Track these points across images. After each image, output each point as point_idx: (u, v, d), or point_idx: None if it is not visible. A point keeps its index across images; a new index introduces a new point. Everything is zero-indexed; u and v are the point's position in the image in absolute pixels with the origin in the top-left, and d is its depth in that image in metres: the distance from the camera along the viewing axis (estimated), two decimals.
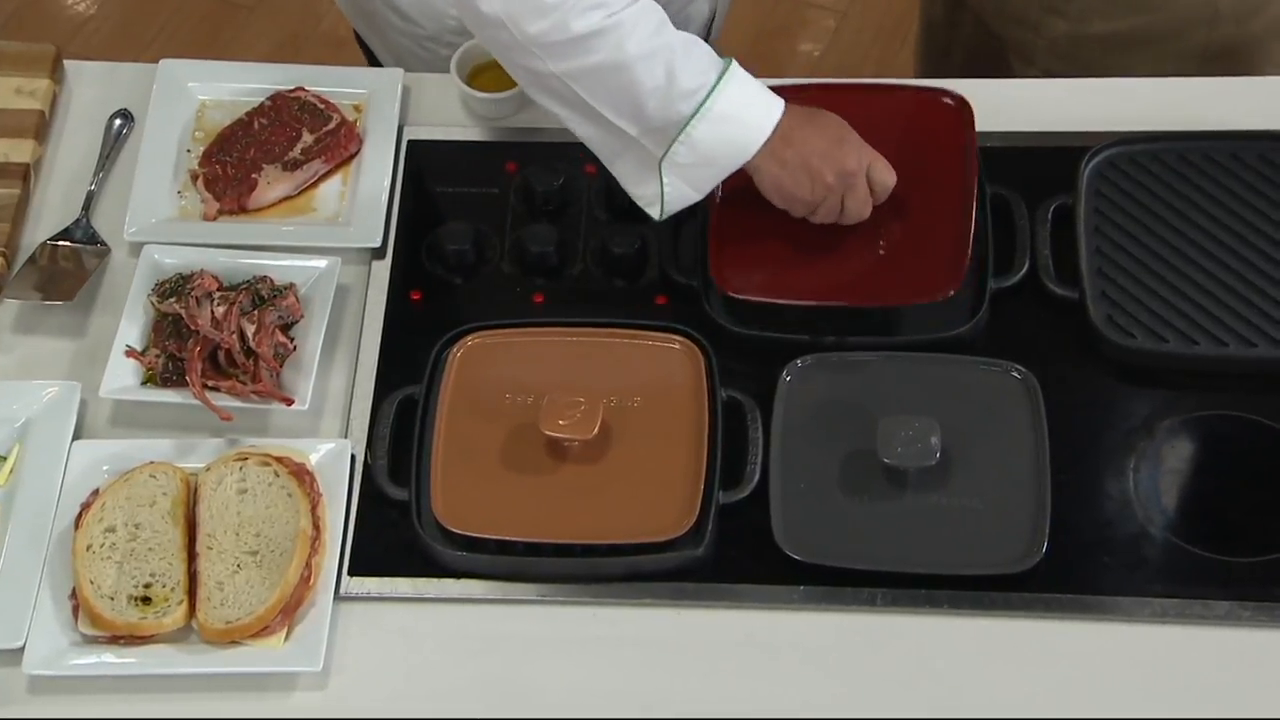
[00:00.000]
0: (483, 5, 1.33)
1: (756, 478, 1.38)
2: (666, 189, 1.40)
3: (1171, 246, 1.51)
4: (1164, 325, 1.46)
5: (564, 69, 1.34)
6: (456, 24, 1.64)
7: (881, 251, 1.48)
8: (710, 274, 1.47)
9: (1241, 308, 1.46)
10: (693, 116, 1.35)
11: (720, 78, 1.36)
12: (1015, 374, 1.43)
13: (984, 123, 1.59)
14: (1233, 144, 1.56)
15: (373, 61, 1.85)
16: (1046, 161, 1.57)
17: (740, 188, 1.46)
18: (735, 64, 1.38)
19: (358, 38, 1.87)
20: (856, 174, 1.42)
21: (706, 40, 1.73)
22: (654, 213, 1.43)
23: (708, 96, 1.35)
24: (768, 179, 1.41)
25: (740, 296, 1.46)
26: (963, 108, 1.53)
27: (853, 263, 1.48)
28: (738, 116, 1.37)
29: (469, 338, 1.47)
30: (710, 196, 1.48)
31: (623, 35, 1.32)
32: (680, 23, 1.39)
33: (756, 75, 1.41)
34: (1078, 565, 1.35)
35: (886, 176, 1.44)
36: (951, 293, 1.43)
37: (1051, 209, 1.53)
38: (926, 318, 1.47)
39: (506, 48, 1.36)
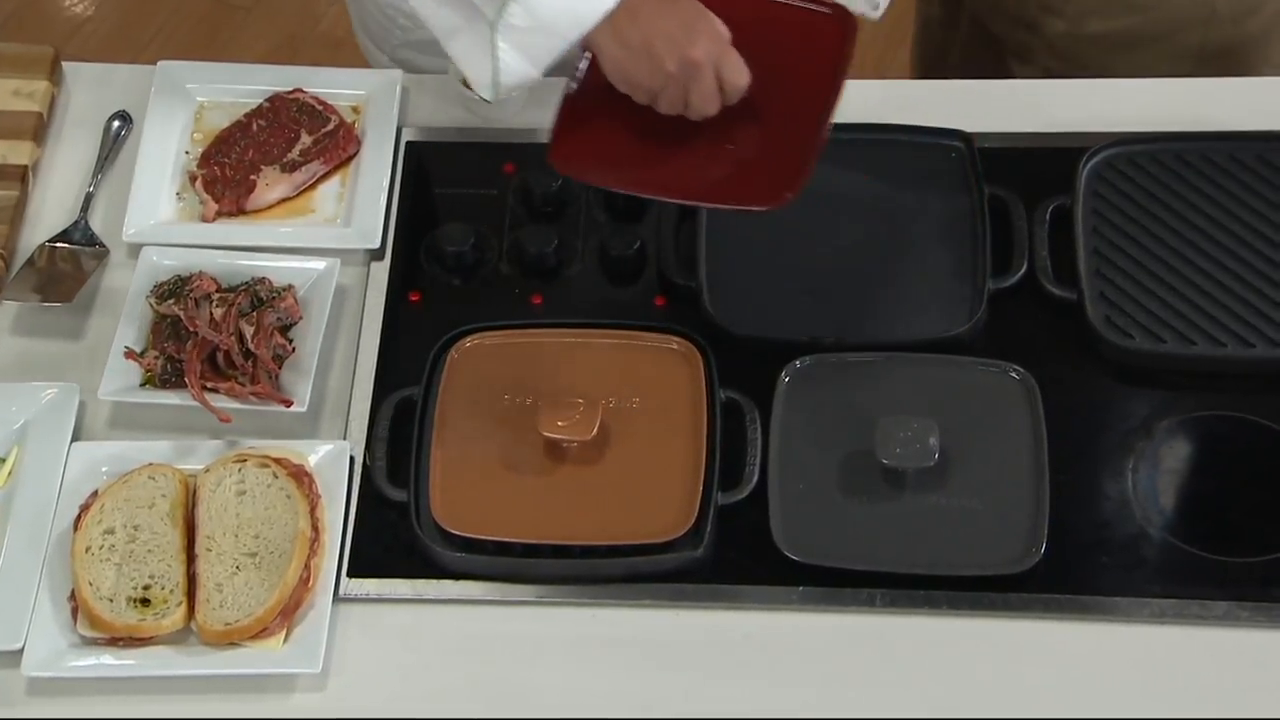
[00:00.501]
0: None
1: (755, 479, 1.38)
2: (501, 59, 1.31)
3: (1169, 247, 1.51)
4: (1162, 326, 1.46)
5: None
6: None
7: (729, 150, 1.41)
8: (549, 157, 1.41)
9: (1239, 308, 1.46)
10: None
11: None
12: (1014, 375, 1.43)
13: (981, 124, 1.59)
14: (1230, 144, 1.56)
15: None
16: (1044, 162, 1.57)
17: (594, 79, 1.40)
18: None
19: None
20: (702, 65, 1.33)
21: None
22: (487, 94, 1.35)
23: None
24: (609, 59, 1.34)
25: (577, 180, 1.42)
26: (844, 21, 1.46)
27: (695, 160, 1.42)
28: None
29: (467, 339, 1.47)
30: (565, 86, 1.43)
31: None
32: None
33: None
34: (1076, 566, 1.35)
35: (737, 76, 1.36)
36: (789, 197, 1.34)
37: (1049, 210, 1.53)
38: (924, 317, 1.47)
39: None
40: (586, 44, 1.34)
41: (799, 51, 1.43)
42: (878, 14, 1.34)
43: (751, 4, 1.42)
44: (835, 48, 1.44)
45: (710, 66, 1.34)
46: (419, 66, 1.68)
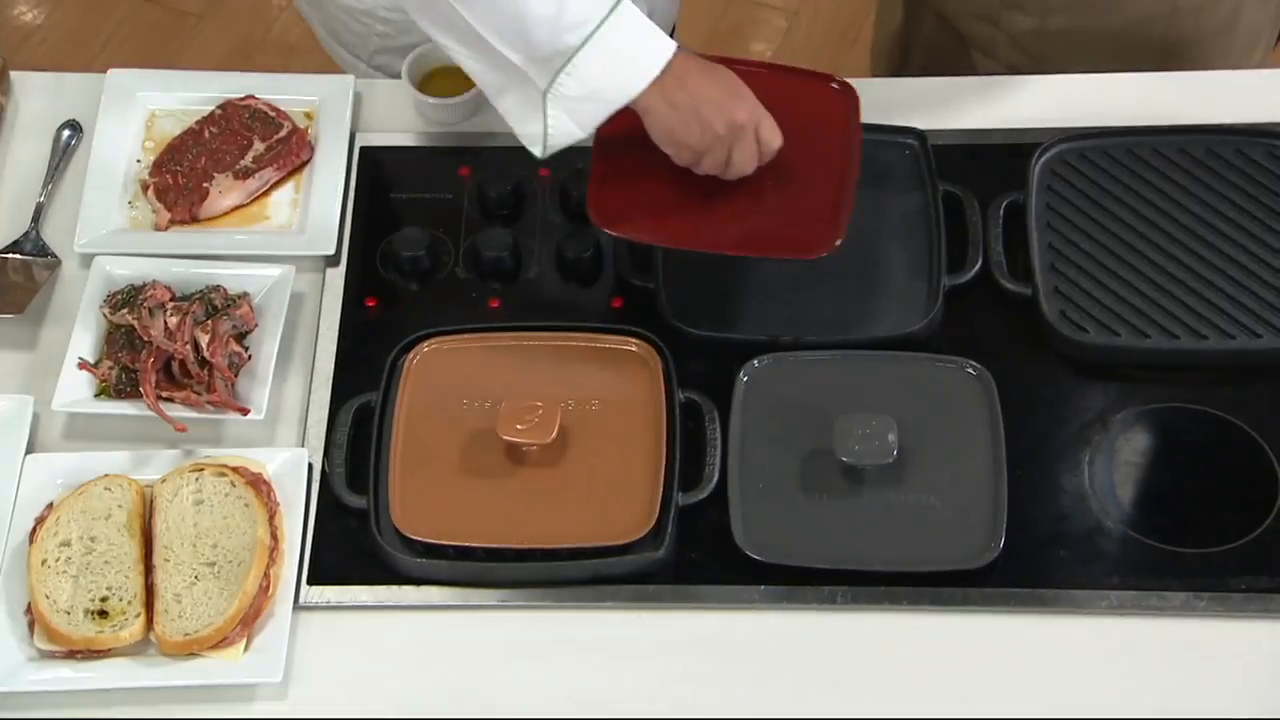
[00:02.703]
0: None
1: (715, 479, 1.38)
2: (550, 123, 1.37)
3: (1122, 241, 1.52)
4: (1116, 319, 1.47)
5: None
6: None
7: (764, 203, 1.46)
8: (590, 212, 1.45)
9: (1192, 301, 1.48)
10: (580, 47, 1.33)
11: (611, 10, 1.33)
12: (970, 370, 1.44)
13: (936, 121, 1.60)
14: (1180, 138, 1.58)
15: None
16: (998, 159, 1.58)
17: (622, 134, 1.43)
18: (628, 1, 1.35)
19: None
20: (746, 126, 1.40)
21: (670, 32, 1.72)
22: (536, 150, 1.41)
23: (597, 27, 1.33)
24: (658, 121, 1.39)
25: (619, 235, 1.45)
26: (848, 94, 1.53)
27: (731, 214, 1.46)
28: (627, 51, 1.35)
29: (425, 344, 1.47)
30: (591, 139, 1.46)
31: None
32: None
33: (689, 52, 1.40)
34: (1035, 559, 1.36)
35: (773, 136, 1.42)
36: (837, 244, 1.42)
37: (1003, 206, 1.54)
38: (880, 315, 1.48)
39: None
40: (635, 105, 1.38)
41: (808, 115, 1.50)
42: None
43: (764, 74, 1.48)
44: (841, 112, 1.52)
45: (753, 128, 1.41)
46: (398, 72, 1.67)
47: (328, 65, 1.88)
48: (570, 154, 1.46)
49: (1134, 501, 1.40)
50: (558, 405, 1.39)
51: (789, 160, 1.46)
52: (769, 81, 1.46)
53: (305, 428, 1.45)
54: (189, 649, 1.31)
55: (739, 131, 1.40)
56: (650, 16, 1.64)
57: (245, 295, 1.49)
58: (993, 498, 1.36)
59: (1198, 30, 1.73)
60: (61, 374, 1.45)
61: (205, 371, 1.44)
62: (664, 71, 1.36)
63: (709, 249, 1.46)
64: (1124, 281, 1.49)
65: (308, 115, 1.64)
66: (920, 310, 1.48)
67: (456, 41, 1.38)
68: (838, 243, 1.42)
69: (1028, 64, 1.74)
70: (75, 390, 1.44)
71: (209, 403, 1.42)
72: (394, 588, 1.36)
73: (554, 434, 1.37)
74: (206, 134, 1.61)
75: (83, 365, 1.45)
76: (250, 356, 1.47)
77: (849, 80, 1.54)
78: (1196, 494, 1.40)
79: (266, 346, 1.47)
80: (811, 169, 1.48)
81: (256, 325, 1.48)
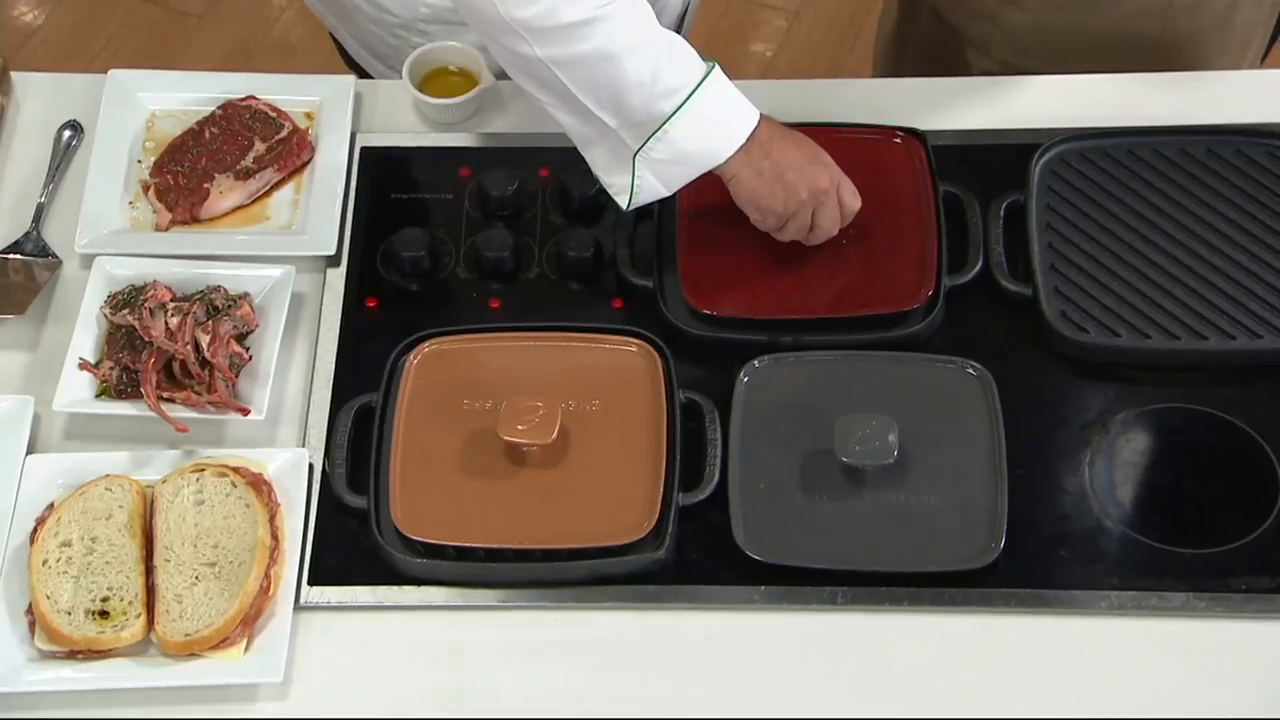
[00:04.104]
0: None
1: (716, 479, 1.38)
2: (638, 182, 1.41)
3: (1122, 241, 1.52)
4: (1116, 320, 1.47)
5: (550, 55, 1.34)
6: (430, 12, 1.64)
7: (847, 268, 1.50)
8: (684, 294, 1.48)
9: (1192, 301, 1.48)
10: (673, 114, 1.36)
11: (703, 79, 1.37)
12: (970, 371, 1.44)
13: (935, 121, 1.60)
14: (1181, 139, 1.58)
15: (343, 54, 1.84)
16: (998, 159, 1.58)
17: (706, 205, 1.48)
18: (718, 67, 1.39)
19: (332, 36, 1.86)
20: (829, 191, 1.45)
21: (678, 30, 1.73)
22: (622, 202, 1.44)
23: (689, 96, 1.36)
24: (744, 187, 1.43)
25: (714, 313, 1.47)
26: (911, 143, 1.57)
27: (820, 278, 1.50)
28: (716, 118, 1.39)
29: (425, 344, 1.47)
30: (676, 211, 1.51)
31: (613, 27, 1.33)
32: (655, 12, 1.40)
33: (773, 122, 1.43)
34: (1035, 560, 1.36)
35: (852, 200, 1.47)
36: (917, 304, 1.46)
37: (1004, 206, 1.54)
38: (881, 315, 1.48)
39: (495, 29, 1.35)
40: (720, 172, 1.42)
41: (879, 169, 1.55)
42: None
43: (830, 133, 1.52)
44: (910, 161, 1.56)
45: (834, 192, 1.45)
46: (385, 43, 1.68)
47: (328, 65, 1.89)
48: (571, 155, 1.46)
49: (1134, 502, 1.40)
50: (558, 405, 1.39)
51: (866, 217, 1.50)
52: (836, 140, 1.49)
53: (306, 428, 1.45)
54: (190, 649, 1.31)
55: (822, 196, 1.44)
56: (686, 8, 1.67)
57: (246, 296, 1.49)
58: (993, 498, 1.36)
59: (1193, 27, 1.73)
60: (62, 374, 1.45)
61: (206, 372, 1.44)
62: (750, 138, 1.39)
63: (804, 315, 1.48)
64: (1124, 282, 1.49)
65: (308, 115, 1.65)
66: (921, 311, 1.48)
67: (551, 97, 1.40)
68: (928, 293, 1.46)
69: (1022, 61, 1.74)
70: (76, 391, 1.44)
71: (210, 403, 1.42)
72: (394, 588, 1.36)
73: (554, 434, 1.37)
74: (207, 134, 1.61)
75: (83, 366, 1.45)
76: (251, 357, 1.47)
77: (915, 129, 1.58)
78: (1197, 494, 1.40)
79: (267, 347, 1.47)
80: (889, 223, 1.52)
81: (257, 326, 1.48)
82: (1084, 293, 1.49)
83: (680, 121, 1.37)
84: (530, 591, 1.36)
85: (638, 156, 1.39)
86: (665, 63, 1.36)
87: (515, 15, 1.32)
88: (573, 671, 1.33)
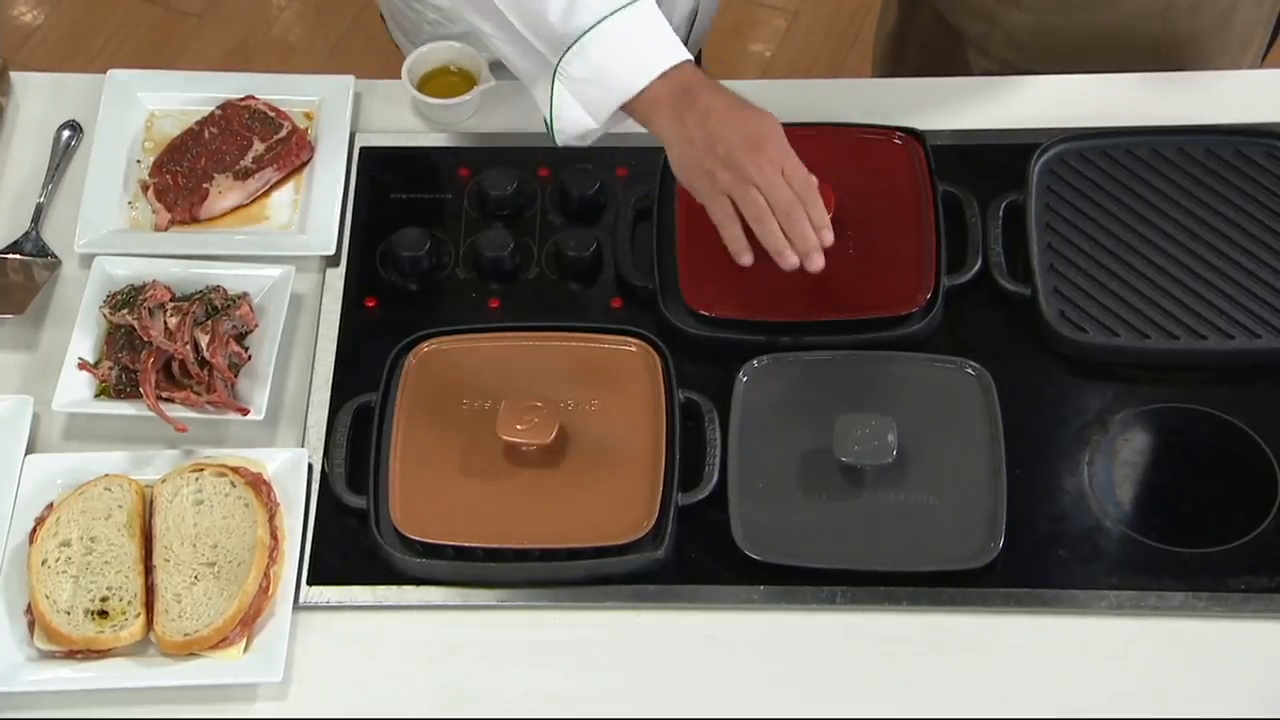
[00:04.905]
0: None
1: (715, 479, 1.38)
2: (556, 101, 1.39)
3: (1121, 241, 1.52)
4: (1115, 319, 1.47)
5: None
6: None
7: (848, 270, 1.48)
8: (683, 294, 1.47)
9: (1191, 301, 1.48)
10: (590, 28, 1.36)
11: (627, 4, 1.36)
12: (969, 370, 1.44)
13: (934, 121, 1.60)
14: (1179, 139, 1.58)
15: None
16: (997, 159, 1.58)
17: (703, 212, 1.46)
18: (652, 1, 1.38)
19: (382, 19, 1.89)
20: (763, 152, 1.35)
21: (687, 37, 1.73)
22: (554, 136, 1.42)
23: (611, 14, 1.36)
24: (676, 153, 1.38)
25: (713, 314, 1.46)
26: (910, 143, 1.56)
27: (820, 277, 1.45)
28: (636, 43, 1.37)
29: (424, 344, 1.47)
30: (676, 211, 1.49)
31: None
32: (664, 12, 1.39)
33: (709, 77, 1.41)
34: (1034, 559, 1.36)
35: (802, 170, 1.37)
36: (921, 304, 1.45)
37: (1003, 206, 1.54)
38: (880, 316, 1.48)
39: None
40: (651, 124, 1.39)
41: (878, 170, 1.54)
42: None
43: (831, 135, 1.54)
44: (909, 163, 1.55)
45: (773, 158, 1.36)
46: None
47: (327, 65, 1.89)
48: (571, 154, 1.46)
49: (1133, 501, 1.40)
50: (557, 405, 1.39)
51: (865, 218, 1.48)
52: (835, 140, 1.48)
53: (305, 428, 1.45)
54: (189, 649, 1.31)
55: (763, 167, 1.35)
56: (696, 11, 1.65)
57: (245, 295, 1.49)
58: (992, 498, 1.36)
59: (1193, 28, 1.73)
60: (61, 374, 1.45)
61: (205, 372, 1.44)
62: (673, 75, 1.36)
63: (803, 317, 1.47)
64: (1123, 282, 1.49)
65: (307, 115, 1.65)
66: (920, 311, 1.48)
67: (493, 28, 1.42)
68: (927, 293, 1.45)
69: (1022, 61, 1.74)
70: (75, 390, 1.44)
71: (209, 403, 1.42)
72: (394, 588, 1.36)
73: (554, 434, 1.37)
74: (206, 134, 1.61)
75: (83, 365, 1.45)
76: (250, 357, 1.47)
77: (914, 129, 1.57)
78: (1195, 494, 1.40)
79: (266, 347, 1.47)
80: (888, 223, 1.51)
81: (256, 325, 1.48)
82: (1083, 292, 1.49)
83: (597, 36, 1.36)
84: (529, 591, 1.36)
85: (556, 72, 1.38)
86: None
87: None
88: (571, 671, 1.33)
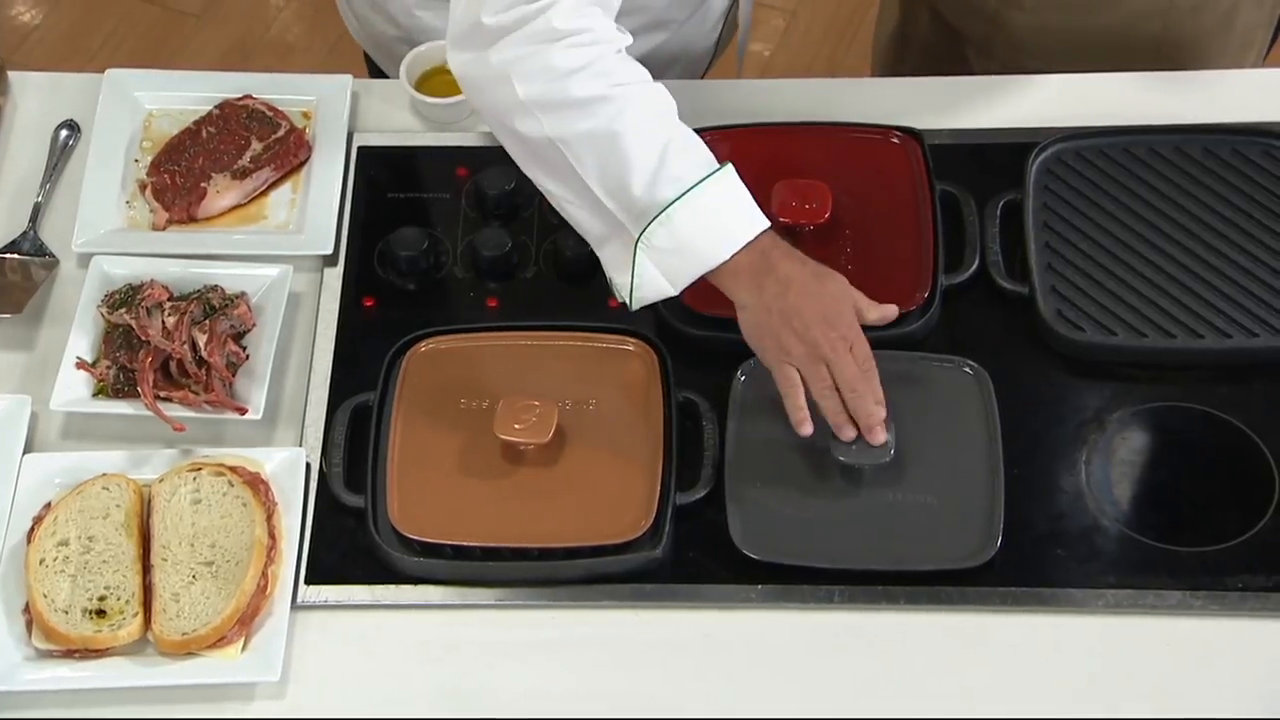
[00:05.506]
0: (492, 55, 1.31)
1: (713, 478, 1.38)
2: (638, 270, 1.36)
3: (1119, 240, 1.52)
4: (1113, 319, 1.47)
5: (558, 132, 1.32)
6: None
7: (845, 266, 1.47)
8: (682, 298, 1.45)
9: (1188, 300, 1.48)
10: (676, 200, 1.33)
11: (713, 172, 1.34)
12: (967, 370, 1.44)
13: (932, 121, 1.60)
14: (1177, 138, 1.58)
15: (368, 62, 1.87)
16: (994, 158, 1.58)
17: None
18: (731, 168, 1.36)
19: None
20: (837, 351, 1.35)
21: (729, 13, 1.74)
22: (626, 298, 1.39)
23: (696, 184, 1.33)
24: (748, 319, 1.37)
25: (712, 313, 1.45)
26: (908, 143, 1.57)
27: None
28: (721, 213, 1.35)
29: (422, 343, 1.47)
30: None
31: (623, 107, 1.32)
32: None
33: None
34: (1032, 558, 1.36)
35: (875, 312, 1.38)
36: (919, 303, 1.46)
37: (1000, 205, 1.54)
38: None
39: (509, 111, 1.34)
40: (729, 290, 1.37)
41: (875, 170, 1.54)
42: None
43: (829, 134, 1.55)
44: (906, 163, 1.56)
45: (843, 350, 1.35)
46: (428, 25, 1.67)
47: (326, 65, 1.89)
48: None
49: (1131, 500, 1.40)
50: (555, 405, 1.39)
51: (863, 217, 1.49)
52: (833, 139, 1.49)
53: (303, 427, 1.45)
54: (187, 648, 1.31)
55: (830, 355, 1.35)
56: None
57: (243, 295, 1.49)
58: (990, 497, 1.36)
59: (1194, 29, 1.73)
60: (59, 374, 1.45)
61: (203, 371, 1.44)
62: (754, 243, 1.34)
63: None
64: (1120, 281, 1.49)
65: (305, 115, 1.65)
66: (917, 310, 1.48)
67: (562, 189, 1.38)
68: (925, 292, 1.46)
69: (1023, 62, 1.74)
70: (73, 390, 1.44)
71: (207, 402, 1.42)
72: (392, 587, 1.36)
73: (551, 433, 1.37)
74: (204, 134, 1.61)
75: (80, 365, 1.45)
76: (248, 356, 1.47)
77: (911, 128, 1.57)
78: (1193, 493, 1.40)
79: (264, 346, 1.47)
80: (886, 222, 1.51)
81: (254, 325, 1.48)
82: (1080, 291, 1.49)
83: (683, 209, 1.32)
84: (527, 590, 1.36)
85: (639, 243, 1.35)
86: (675, 153, 1.33)
87: (529, 94, 1.31)
88: (569, 670, 1.33)
